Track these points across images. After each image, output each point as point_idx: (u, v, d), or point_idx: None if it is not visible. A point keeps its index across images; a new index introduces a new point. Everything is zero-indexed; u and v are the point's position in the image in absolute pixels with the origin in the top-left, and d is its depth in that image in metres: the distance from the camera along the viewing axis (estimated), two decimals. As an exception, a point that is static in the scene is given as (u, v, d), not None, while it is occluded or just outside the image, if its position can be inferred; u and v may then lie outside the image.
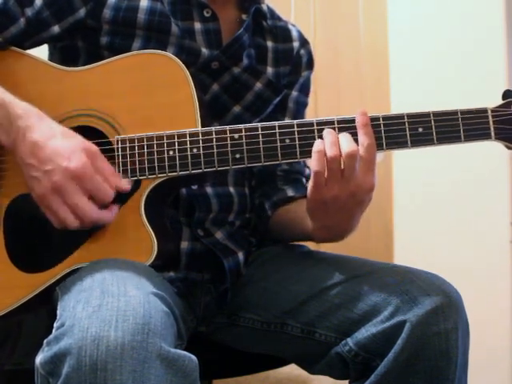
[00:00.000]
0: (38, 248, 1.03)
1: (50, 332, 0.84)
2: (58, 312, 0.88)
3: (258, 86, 1.22)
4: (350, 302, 1.05)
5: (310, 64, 1.32)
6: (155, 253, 0.99)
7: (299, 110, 1.31)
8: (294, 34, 1.30)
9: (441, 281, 1.02)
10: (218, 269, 1.16)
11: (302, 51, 1.30)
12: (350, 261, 1.14)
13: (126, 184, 1.00)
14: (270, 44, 1.26)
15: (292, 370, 1.25)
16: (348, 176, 0.98)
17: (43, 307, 1.04)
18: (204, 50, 1.15)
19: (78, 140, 0.97)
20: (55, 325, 0.83)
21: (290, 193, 1.25)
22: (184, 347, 1.00)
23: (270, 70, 1.25)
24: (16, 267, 1.03)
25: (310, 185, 1.00)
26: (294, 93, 1.30)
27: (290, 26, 1.31)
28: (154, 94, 1.04)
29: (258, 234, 1.30)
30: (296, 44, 1.29)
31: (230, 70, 1.19)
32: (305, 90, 1.32)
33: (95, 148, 0.97)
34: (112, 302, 0.80)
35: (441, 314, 0.96)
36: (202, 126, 1.03)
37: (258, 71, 1.22)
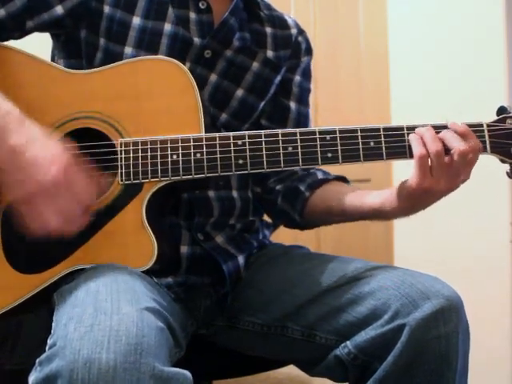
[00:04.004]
0: (36, 249, 1.02)
1: (50, 332, 0.84)
2: (52, 324, 0.87)
3: (256, 65, 1.22)
4: (350, 306, 1.05)
5: (309, 51, 1.33)
6: (155, 256, 1.00)
7: (304, 94, 1.31)
8: (291, 22, 1.31)
9: (441, 284, 1.01)
10: (218, 273, 1.15)
11: (300, 38, 1.31)
12: (350, 263, 1.13)
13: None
14: (268, 30, 1.26)
15: (292, 370, 1.25)
16: (457, 172, 1.02)
17: (42, 307, 1.04)
18: (196, 39, 1.15)
19: (53, 147, 0.94)
20: (49, 341, 0.82)
21: (320, 175, 1.26)
22: (182, 354, 1.01)
23: (270, 53, 1.25)
24: (13, 268, 1.02)
25: (414, 172, 1.03)
26: (297, 77, 1.30)
27: (286, 17, 1.32)
28: (160, 99, 1.05)
29: (272, 229, 1.31)
30: (294, 31, 1.30)
31: (223, 55, 1.18)
32: (307, 75, 1.32)
33: (68, 156, 0.94)
34: (105, 320, 0.80)
35: (441, 317, 0.96)
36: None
37: (253, 51, 1.22)
